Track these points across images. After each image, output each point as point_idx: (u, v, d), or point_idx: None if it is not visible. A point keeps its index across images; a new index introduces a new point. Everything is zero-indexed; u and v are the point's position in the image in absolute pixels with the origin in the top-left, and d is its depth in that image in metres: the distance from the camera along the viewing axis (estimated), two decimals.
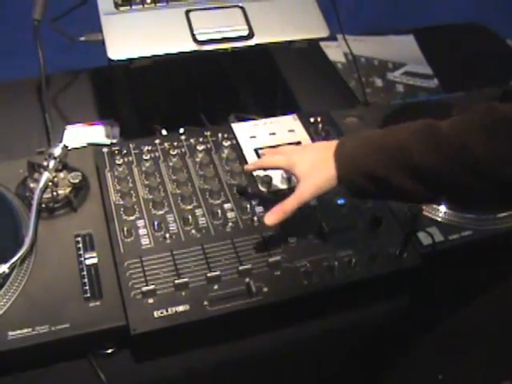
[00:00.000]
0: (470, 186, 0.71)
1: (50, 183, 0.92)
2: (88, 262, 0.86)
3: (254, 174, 0.99)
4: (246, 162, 1.01)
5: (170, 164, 1.00)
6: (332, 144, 0.81)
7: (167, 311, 0.81)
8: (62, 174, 0.95)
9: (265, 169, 0.92)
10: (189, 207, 0.94)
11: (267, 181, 0.97)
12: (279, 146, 1.04)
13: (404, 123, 0.77)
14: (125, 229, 0.89)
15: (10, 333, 0.77)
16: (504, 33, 1.65)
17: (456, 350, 1.01)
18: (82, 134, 1.17)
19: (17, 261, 0.82)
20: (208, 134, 1.07)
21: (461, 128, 0.71)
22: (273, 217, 0.82)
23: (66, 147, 0.96)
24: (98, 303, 0.82)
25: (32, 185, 0.92)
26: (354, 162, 0.77)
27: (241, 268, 0.85)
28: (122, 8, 1.04)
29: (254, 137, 1.07)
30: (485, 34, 1.64)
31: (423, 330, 1.01)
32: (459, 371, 0.97)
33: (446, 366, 1.01)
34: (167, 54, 1.01)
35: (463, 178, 0.71)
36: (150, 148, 1.03)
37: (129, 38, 1.01)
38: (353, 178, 0.77)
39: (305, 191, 0.81)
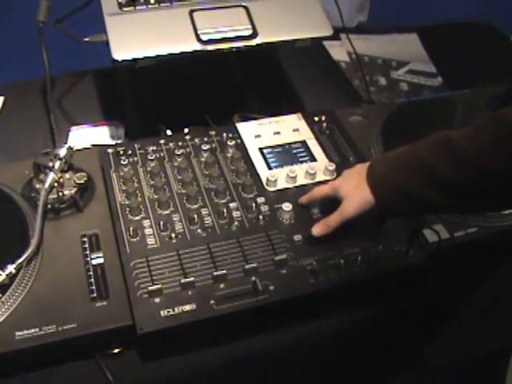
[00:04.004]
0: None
1: (56, 184, 0.92)
2: (94, 262, 0.86)
3: (260, 174, 0.99)
4: (251, 162, 1.02)
5: (175, 164, 1.00)
6: (364, 167, 0.87)
7: (174, 310, 0.81)
8: (67, 175, 0.95)
9: (316, 199, 0.95)
10: (194, 207, 0.94)
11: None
12: (284, 144, 1.06)
13: (421, 140, 0.82)
14: (131, 229, 0.89)
15: (17, 333, 0.77)
16: (508, 30, 1.64)
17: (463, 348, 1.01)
18: (86, 135, 1.17)
19: (23, 261, 0.83)
20: (213, 133, 1.07)
21: (477, 140, 0.74)
22: (319, 229, 0.89)
23: (71, 148, 0.96)
24: (104, 303, 0.82)
25: (38, 186, 0.92)
26: (386, 184, 0.83)
27: (247, 267, 0.85)
28: (125, 8, 1.04)
29: (259, 136, 1.07)
30: (489, 32, 1.64)
31: (429, 328, 1.00)
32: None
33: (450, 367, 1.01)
34: (171, 54, 1.01)
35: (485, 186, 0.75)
36: (154, 148, 1.03)
37: (133, 39, 1.01)
38: (388, 199, 0.83)
39: (348, 209, 0.87)
